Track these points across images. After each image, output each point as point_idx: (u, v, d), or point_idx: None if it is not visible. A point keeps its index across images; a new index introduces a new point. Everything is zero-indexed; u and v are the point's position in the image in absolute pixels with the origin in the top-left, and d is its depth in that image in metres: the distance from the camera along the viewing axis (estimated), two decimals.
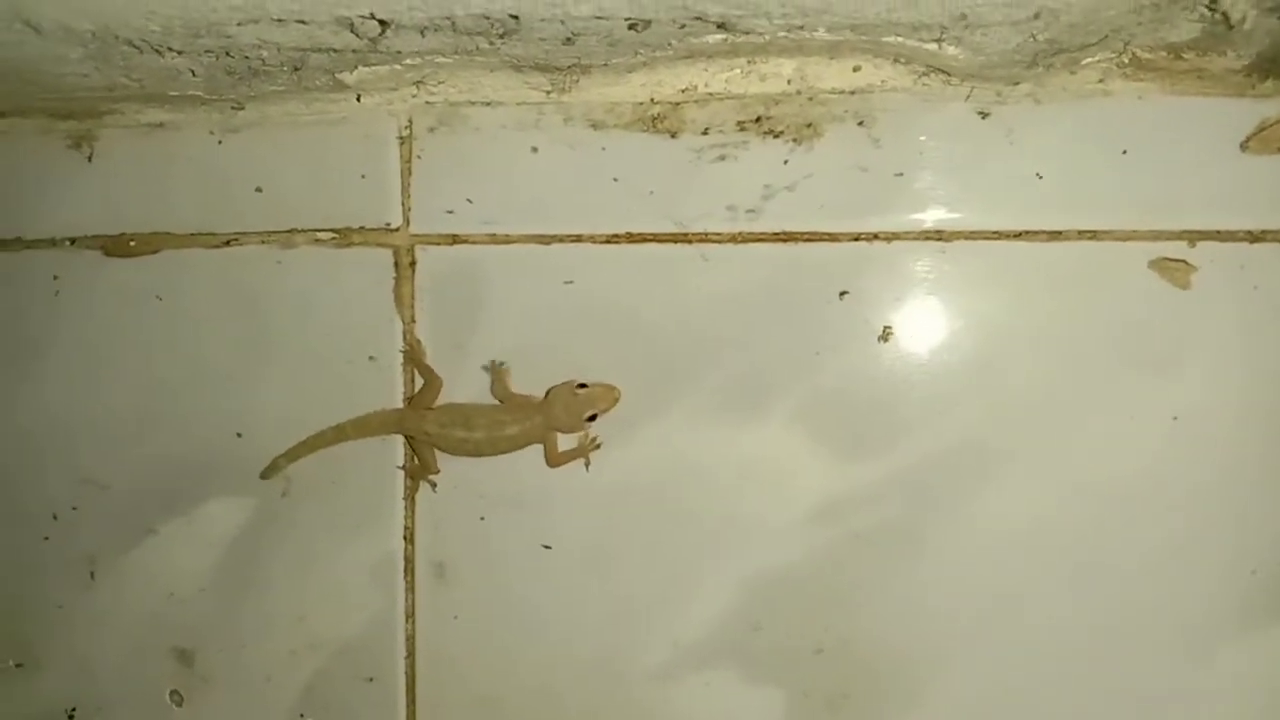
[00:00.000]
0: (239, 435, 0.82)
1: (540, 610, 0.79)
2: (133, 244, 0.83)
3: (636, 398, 0.76)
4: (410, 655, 0.80)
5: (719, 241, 0.75)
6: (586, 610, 0.78)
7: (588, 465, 0.77)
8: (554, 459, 0.77)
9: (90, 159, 0.84)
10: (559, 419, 0.75)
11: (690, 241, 0.75)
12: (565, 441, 0.77)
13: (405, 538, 0.80)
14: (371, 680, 0.80)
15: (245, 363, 0.82)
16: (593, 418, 0.74)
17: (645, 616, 0.78)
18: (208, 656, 0.84)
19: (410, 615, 0.80)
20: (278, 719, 0.83)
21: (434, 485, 0.79)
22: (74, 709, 0.86)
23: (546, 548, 0.78)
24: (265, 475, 0.80)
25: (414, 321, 0.79)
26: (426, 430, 0.76)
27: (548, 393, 0.76)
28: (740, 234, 0.74)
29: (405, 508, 0.80)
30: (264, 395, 0.81)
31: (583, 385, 0.74)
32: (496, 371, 0.78)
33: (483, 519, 0.79)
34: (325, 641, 0.81)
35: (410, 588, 0.80)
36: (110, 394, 0.85)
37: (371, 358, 0.79)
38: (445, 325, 0.79)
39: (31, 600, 0.86)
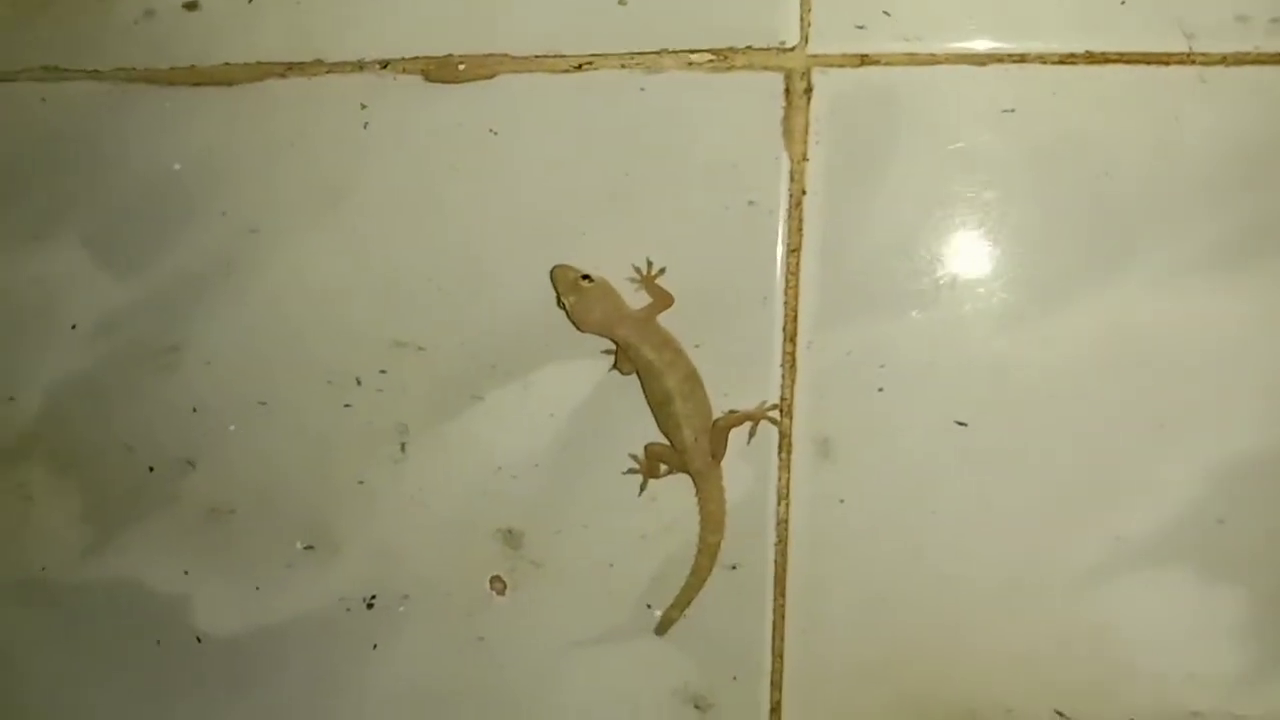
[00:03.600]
0: None
1: (947, 497, 0.69)
2: (461, 68, 0.72)
3: (1086, 253, 0.65)
4: (782, 542, 0.71)
5: (1206, 63, 0.62)
6: (1006, 499, 0.69)
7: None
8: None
9: None
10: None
11: (1169, 63, 0.63)
12: None
13: (781, 409, 0.69)
14: (735, 568, 0.71)
15: (597, 208, 0.71)
16: None
17: (1080, 509, 0.68)
18: (539, 538, 0.75)
19: (784, 497, 0.70)
20: (620, 610, 0.73)
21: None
22: (373, 596, 0.76)
23: (960, 424, 0.67)
24: (660, 631, 0.72)
25: (806, 160, 0.67)
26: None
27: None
28: (1239, 54, 0.62)
29: (783, 374, 0.69)
30: (619, 245, 0.71)
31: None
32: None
33: (881, 390, 0.68)
34: (680, 525, 0.71)
35: (785, 466, 0.70)
36: (430, 244, 0.74)
37: (751, 202, 0.68)
38: (845, 163, 0.67)
39: (328, 475, 0.77)
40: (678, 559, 0.72)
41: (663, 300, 0.69)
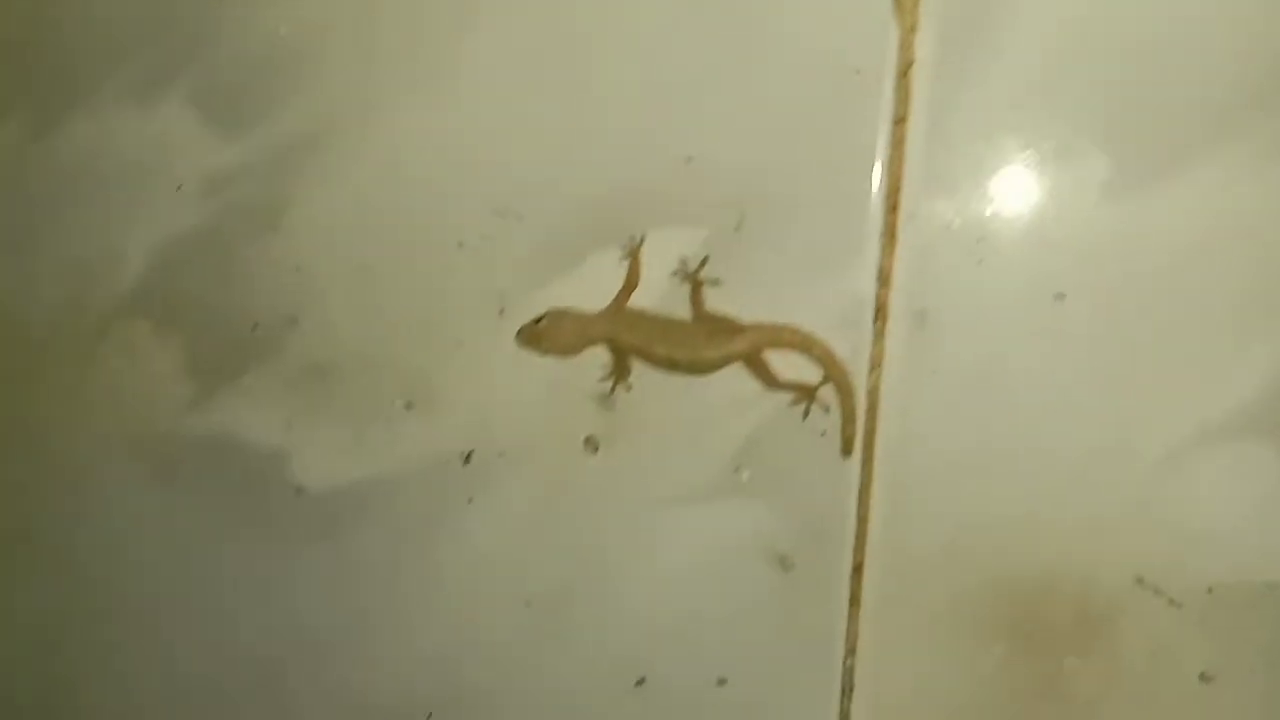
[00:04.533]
0: (688, 160, 0.72)
1: (1040, 370, 0.71)
2: None
3: (1193, 130, 0.66)
4: (871, 410, 0.72)
5: None
6: (1095, 372, 0.70)
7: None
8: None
9: None
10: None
11: None
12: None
13: (880, 280, 0.70)
14: (824, 434, 0.73)
15: (699, 74, 0.72)
16: None
17: (1167, 383, 0.70)
18: (633, 399, 0.78)
19: (876, 366, 0.72)
20: (710, 470, 0.76)
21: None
22: (470, 452, 0.79)
23: (1058, 297, 0.68)
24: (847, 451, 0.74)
25: (915, 30, 0.67)
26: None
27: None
28: None
29: (882, 245, 0.70)
30: (720, 112, 0.72)
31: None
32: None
33: (980, 262, 0.69)
34: (775, 395, 0.73)
35: (880, 335, 0.71)
36: (533, 111, 0.76)
37: (857, 71, 0.69)
38: (954, 33, 0.68)
39: (428, 336, 0.79)
40: (769, 422, 0.74)
41: (631, 282, 0.74)
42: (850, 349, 0.72)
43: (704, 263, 0.73)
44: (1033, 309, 0.69)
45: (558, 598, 0.79)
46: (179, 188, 0.81)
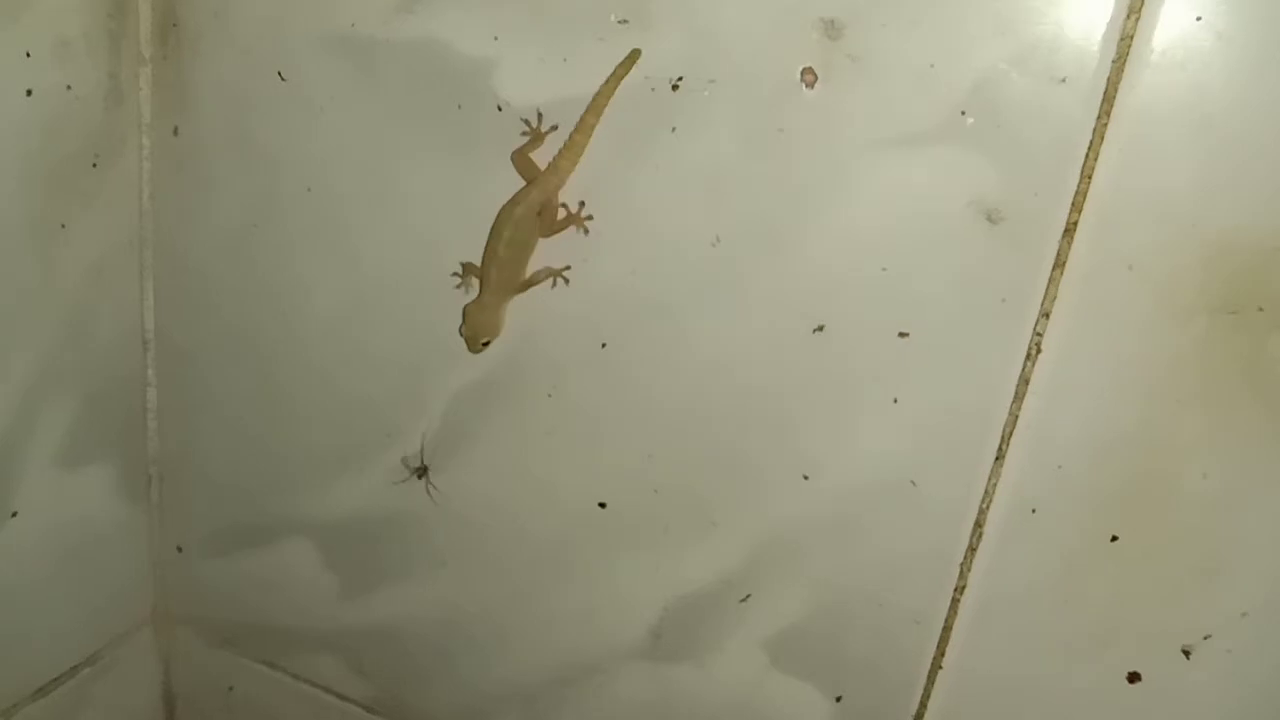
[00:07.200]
0: None
1: None
2: None
3: None
4: (1120, 59, 0.69)
5: None
6: None
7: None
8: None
9: None
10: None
11: None
12: None
13: None
14: (1064, 81, 0.69)
15: None
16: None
17: None
18: (861, 31, 0.74)
19: (1135, 11, 0.67)
20: (933, 113, 0.73)
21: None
22: (680, 78, 0.78)
23: None
24: None
25: None
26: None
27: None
28: None
29: None
30: None
31: None
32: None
33: None
34: (1013, 36, 0.69)
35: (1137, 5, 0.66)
36: None
37: None
38: None
39: None
40: (1004, 66, 0.71)
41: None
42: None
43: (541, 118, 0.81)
44: None
45: (748, 236, 0.80)
46: None
